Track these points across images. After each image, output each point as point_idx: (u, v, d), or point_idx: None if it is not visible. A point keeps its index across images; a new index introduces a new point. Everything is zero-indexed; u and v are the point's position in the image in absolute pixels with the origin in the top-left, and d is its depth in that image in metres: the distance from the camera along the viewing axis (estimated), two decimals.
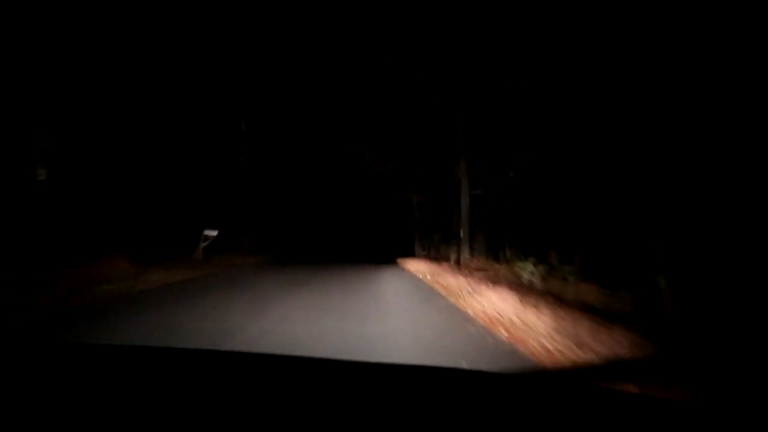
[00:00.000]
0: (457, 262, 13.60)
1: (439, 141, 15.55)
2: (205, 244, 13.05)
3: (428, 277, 9.50)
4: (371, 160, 16.09)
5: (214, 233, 13.20)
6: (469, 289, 6.13)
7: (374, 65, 15.25)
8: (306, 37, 16.73)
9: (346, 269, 12.12)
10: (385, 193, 24.04)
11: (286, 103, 19.03)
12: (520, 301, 4.88)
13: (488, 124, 13.51)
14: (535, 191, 12.39)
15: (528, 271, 8.83)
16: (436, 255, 20.75)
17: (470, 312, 5.11)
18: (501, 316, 4.57)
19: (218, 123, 17.02)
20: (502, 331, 4.06)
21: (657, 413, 0.80)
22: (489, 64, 12.55)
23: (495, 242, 16.33)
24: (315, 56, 16.61)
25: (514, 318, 4.28)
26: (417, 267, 12.25)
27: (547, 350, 3.24)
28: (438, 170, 19.03)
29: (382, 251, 37.96)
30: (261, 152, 20.48)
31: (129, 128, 11.59)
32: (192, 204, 13.90)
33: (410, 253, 23.97)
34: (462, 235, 14.34)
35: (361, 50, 15.44)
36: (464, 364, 2.90)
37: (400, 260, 20.26)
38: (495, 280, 7.44)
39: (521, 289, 6.45)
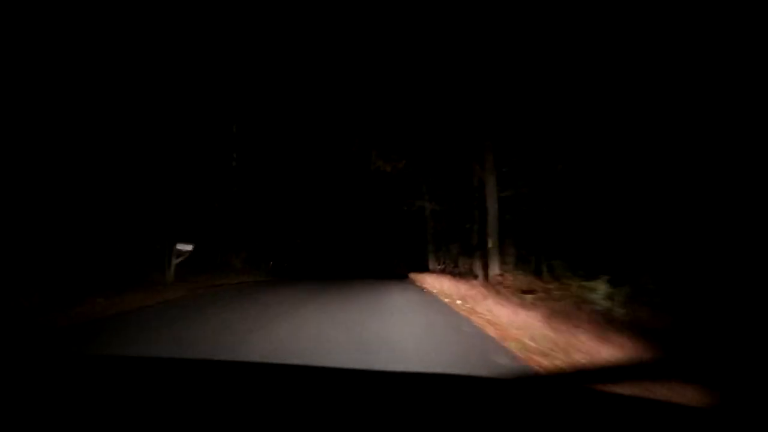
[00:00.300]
0: (486, 279, 11.08)
1: (456, 134, 13.12)
2: (178, 261, 10.71)
3: (458, 302, 7.00)
4: (379, 158, 13.68)
5: (189, 248, 10.87)
6: (556, 338, 3.60)
7: (379, 49, 13.02)
8: (301, 23, 14.63)
9: (351, 291, 9.68)
10: (394, 201, 21.62)
11: (282, 96, 16.84)
12: None
13: (521, 110, 11.10)
14: (586, 189, 9.88)
15: (601, 294, 6.30)
16: (454, 269, 18.21)
17: None
18: None
19: (203, 123, 14.87)
20: None
21: (650, 415, 0.80)
22: (521, 32, 10.22)
23: (524, 252, 13.75)
24: (312, 41, 14.43)
25: None
26: (439, 286, 9.75)
27: None
28: (455, 171, 16.63)
29: (392, 265, 35.31)
30: (255, 156, 18.28)
31: (76, 118, 9.43)
32: (165, 216, 11.64)
33: (423, 268, 21.44)
34: (490, 245, 11.84)
35: (364, 33, 13.26)
36: None
37: (413, 276, 17.69)
38: (569, 312, 4.93)
39: (624, 330, 3.93)
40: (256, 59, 15.37)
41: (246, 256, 17.85)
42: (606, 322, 4.41)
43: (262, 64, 15.53)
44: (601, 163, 9.16)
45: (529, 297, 6.69)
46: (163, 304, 7.01)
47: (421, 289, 10.55)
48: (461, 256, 18.00)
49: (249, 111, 17.11)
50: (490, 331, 4.61)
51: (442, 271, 17.87)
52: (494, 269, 11.60)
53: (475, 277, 11.41)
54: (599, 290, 6.36)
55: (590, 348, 3.03)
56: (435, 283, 10.55)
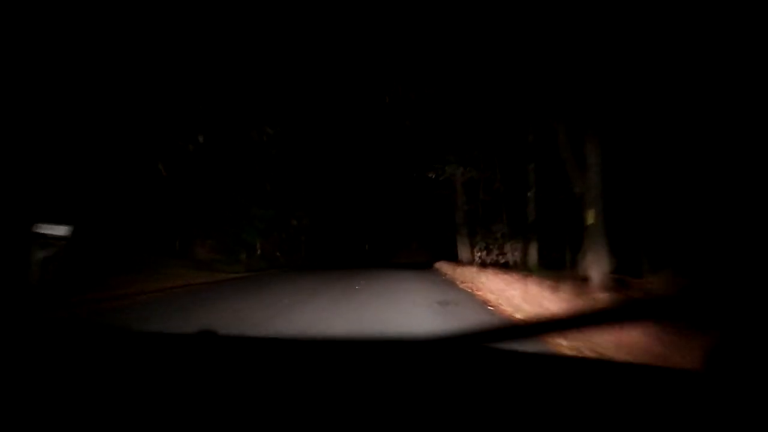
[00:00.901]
0: (604, 286, 6.19)
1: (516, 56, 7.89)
2: (43, 256, 6.03)
3: None
4: (398, 82, 8.62)
5: (61, 232, 6.17)
6: None
7: None
8: None
9: (346, 311, 4.88)
10: (413, 169, 16.56)
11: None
12: None
13: None
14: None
15: None
16: (499, 257, 13.37)
17: None
18: None
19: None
20: None
21: (545, 369, 0.80)
22: None
23: (637, 243, 8.42)
24: None
25: None
26: (528, 304, 4.84)
27: None
28: (504, 120, 11.55)
29: (410, 251, 30.10)
30: (227, 106, 13.31)
31: None
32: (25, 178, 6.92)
33: (451, 256, 16.57)
34: (591, 220, 6.86)
35: None
36: None
37: (444, 269, 12.88)
38: None
39: None
40: None
41: (214, 243, 13.16)
42: None
43: None
44: None
45: None
46: None
47: (482, 305, 5.69)
48: (510, 241, 13.05)
49: (224, 32, 11.96)
50: None
51: (482, 262, 13.01)
52: (601, 264, 6.60)
53: (584, 279, 6.43)
54: None
55: None
56: (507, 291, 5.66)
